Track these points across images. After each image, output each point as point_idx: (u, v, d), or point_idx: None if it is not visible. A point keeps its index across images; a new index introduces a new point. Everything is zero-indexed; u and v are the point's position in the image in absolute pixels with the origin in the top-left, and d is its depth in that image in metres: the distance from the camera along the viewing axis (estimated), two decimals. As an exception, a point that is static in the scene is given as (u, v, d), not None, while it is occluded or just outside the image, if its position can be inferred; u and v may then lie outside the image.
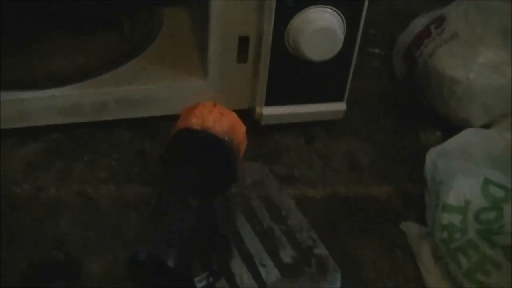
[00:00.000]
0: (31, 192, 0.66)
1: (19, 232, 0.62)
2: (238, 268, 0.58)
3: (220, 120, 0.59)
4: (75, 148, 0.71)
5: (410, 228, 0.66)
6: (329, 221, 0.67)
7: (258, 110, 0.70)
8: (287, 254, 0.59)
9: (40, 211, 0.64)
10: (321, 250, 0.59)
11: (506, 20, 0.72)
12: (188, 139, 0.59)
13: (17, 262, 0.59)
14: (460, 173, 0.64)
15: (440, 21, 0.75)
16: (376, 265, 0.64)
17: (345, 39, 0.66)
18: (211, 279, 0.56)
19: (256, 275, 0.57)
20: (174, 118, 0.65)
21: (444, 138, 0.71)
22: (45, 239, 0.62)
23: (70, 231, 0.63)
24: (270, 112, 0.70)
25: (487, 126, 0.73)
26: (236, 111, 0.66)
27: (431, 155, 0.68)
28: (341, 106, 0.72)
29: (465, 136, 0.69)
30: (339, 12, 0.65)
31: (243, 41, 0.66)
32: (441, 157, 0.67)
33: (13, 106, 0.66)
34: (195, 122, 0.59)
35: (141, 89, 0.69)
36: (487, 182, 0.63)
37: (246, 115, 0.71)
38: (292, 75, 0.68)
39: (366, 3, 0.65)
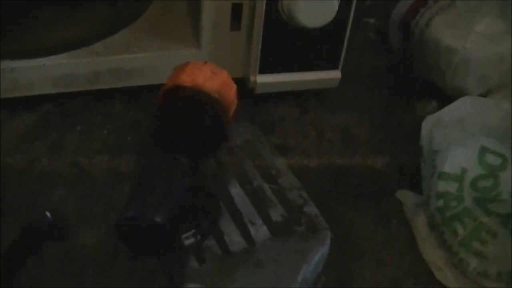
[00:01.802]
0: (24, 163, 0.66)
1: (12, 203, 0.62)
2: (227, 226, 0.57)
3: (210, 78, 0.59)
4: (68, 119, 0.70)
5: (406, 196, 0.66)
6: (324, 190, 0.67)
7: (252, 78, 0.70)
8: (277, 213, 0.58)
9: (33, 182, 0.64)
10: (311, 209, 0.59)
11: (505, -10, 0.72)
12: (178, 96, 0.58)
13: (10, 233, 0.59)
14: (456, 141, 0.64)
15: (436, -11, 0.75)
16: (371, 235, 0.64)
17: (340, 6, 0.65)
18: (199, 236, 0.56)
19: (245, 233, 0.57)
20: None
21: (440, 109, 0.70)
22: (38, 210, 0.61)
23: (63, 201, 0.63)
24: (264, 80, 0.70)
25: (483, 96, 0.73)
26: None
27: (427, 124, 0.68)
28: (336, 74, 0.72)
29: (462, 105, 0.69)
30: (334, -22, 0.64)
31: (237, 9, 0.66)
32: (437, 125, 0.67)
33: (4, 76, 0.66)
34: (185, 79, 0.58)
35: (133, 58, 0.68)
36: (483, 150, 0.63)
37: (240, 84, 0.71)
38: (286, 42, 0.68)
39: (362, -31, 0.65)
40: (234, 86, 0.60)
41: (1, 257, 0.52)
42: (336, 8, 0.64)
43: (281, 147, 0.70)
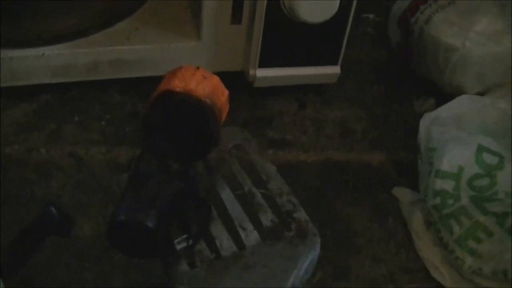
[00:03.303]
0: (21, 153, 0.66)
1: (9, 193, 0.62)
2: (218, 231, 0.57)
3: (202, 83, 0.59)
4: (66, 109, 0.70)
5: (402, 194, 0.66)
6: (321, 185, 0.67)
7: (251, 72, 0.70)
8: (267, 218, 0.58)
9: (31, 172, 0.64)
10: (301, 214, 0.59)
11: (505, -10, 0.72)
12: (170, 101, 0.59)
13: (7, 223, 0.59)
14: (453, 140, 0.64)
15: (436, -13, 0.75)
16: (367, 231, 0.64)
17: (341, 2, 0.65)
18: (190, 241, 0.56)
19: (236, 238, 0.57)
20: (167, 79, 0.64)
21: (438, 106, 0.71)
22: (36, 200, 0.62)
23: (61, 192, 0.63)
24: (263, 74, 0.70)
25: (481, 95, 0.73)
26: (230, 73, 0.66)
27: (425, 122, 0.68)
28: (335, 69, 0.72)
29: (459, 103, 0.69)
30: (336, -26, 0.64)
31: (238, 2, 0.65)
32: (434, 123, 0.67)
33: (3, 65, 0.65)
34: (177, 84, 0.58)
35: (133, 50, 0.68)
36: (480, 149, 0.63)
37: (239, 77, 0.71)
38: (286, 37, 0.67)
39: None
40: (226, 92, 0.60)
41: (5, 251, 0.52)
42: (338, 4, 0.64)
43: (278, 142, 0.70)
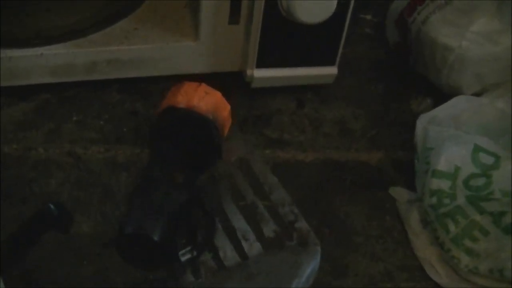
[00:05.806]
0: (20, 152, 0.66)
1: (8, 192, 0.62)
2: (222, 242, 0.59)
3: (204, 98, 0.60)
4: (65, 108, 0.70)
5: (399, 193, 0.67)
6: (319, 184, 0.67)
7: (249, 72, 0.70)
8: (269, 228, 0.59)
9: (30, 171, 0.64)
10: (302, 224, 0.60)
11: (502, -11, 0.72)
12: (173, 117, 0.60)
13: (6, 221, 0.59)
14: (450, 140, 0.64)
15: (434, -13, 0.75)
16: (365, 229, 0.64)
17: (338, 2, 0.65)
18: (195, 252, 0.57)
19: (239, 249, 0.58)
20: (166, 79, 0.65)
21: (435, 106, 0.71)
22: (34, 199, 0.62)
23: (59, 190, 0.63)
24: (261, 74, 0.70)
25: (478, 94, 0.73)
26: (228, 73, 0.66)
27: (422, 122, 0.68)
28: (332, 70, 0.72)
29: (456, 103, 0.69)
30: (333, -26, 0.64)
31: (235, 2, 0.65)
32: (431, 123, 0.67)
33: (2, 64, 0.66)
34: (180, 100, 0.60)
35: (132, 50, 0.68)
36: (477, 149, 0.64)
37: (238, 77, 0.71)
38: (284, 37, 0.68)
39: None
40: (228, 106, 0.62)
41: (4, 244, 0.52)
42: (335, 4, 0.65)
43: (276, 141, 0.70)
